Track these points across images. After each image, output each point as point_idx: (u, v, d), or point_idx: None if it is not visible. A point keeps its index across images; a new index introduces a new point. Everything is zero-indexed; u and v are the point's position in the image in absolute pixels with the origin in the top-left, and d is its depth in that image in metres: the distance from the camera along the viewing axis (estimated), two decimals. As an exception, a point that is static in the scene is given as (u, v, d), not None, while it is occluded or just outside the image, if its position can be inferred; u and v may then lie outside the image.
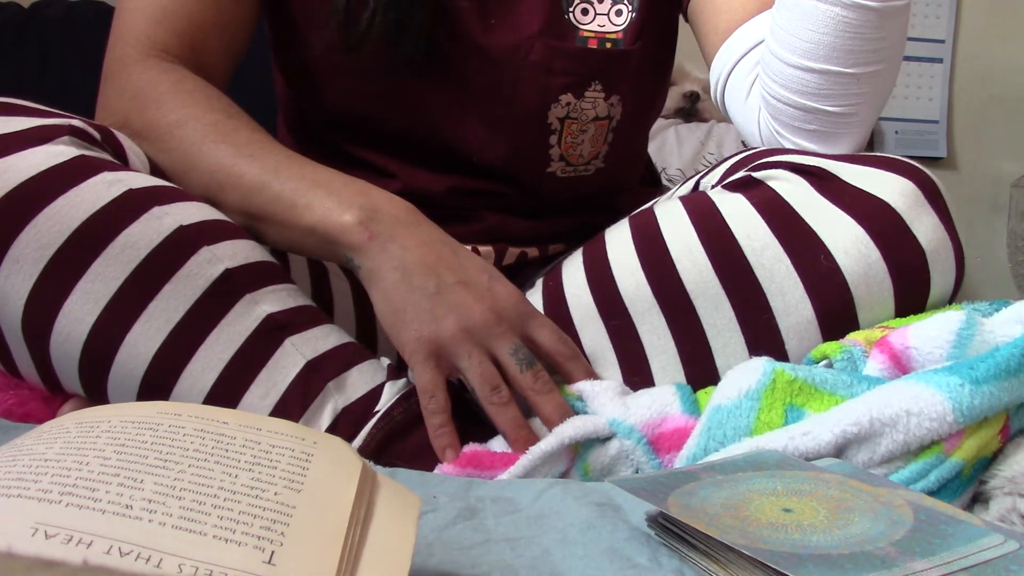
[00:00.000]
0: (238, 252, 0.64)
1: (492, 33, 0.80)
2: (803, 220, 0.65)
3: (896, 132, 2.33)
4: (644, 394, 0.65)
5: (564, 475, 0.61)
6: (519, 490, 0.55)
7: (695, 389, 0.66)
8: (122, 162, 0.66)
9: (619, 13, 0.83)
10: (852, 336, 0.63)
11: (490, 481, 0.59)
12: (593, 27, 0.82)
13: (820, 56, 0.69)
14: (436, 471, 0.62)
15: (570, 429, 0.61)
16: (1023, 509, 0.51)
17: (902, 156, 0.68)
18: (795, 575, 0.38)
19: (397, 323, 0.65)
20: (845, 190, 0.65)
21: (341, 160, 0.81)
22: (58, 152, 0.61)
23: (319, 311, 0.68)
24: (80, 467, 0.34)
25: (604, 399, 0.64)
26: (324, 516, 0.34)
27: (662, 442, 0.62)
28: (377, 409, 0.65)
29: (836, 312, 0.64)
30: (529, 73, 0.81)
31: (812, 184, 0.66)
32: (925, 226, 0.64)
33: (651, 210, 0.72)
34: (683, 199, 0.71)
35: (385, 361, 0.69)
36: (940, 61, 2.33)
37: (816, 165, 0.67)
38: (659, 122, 1.97)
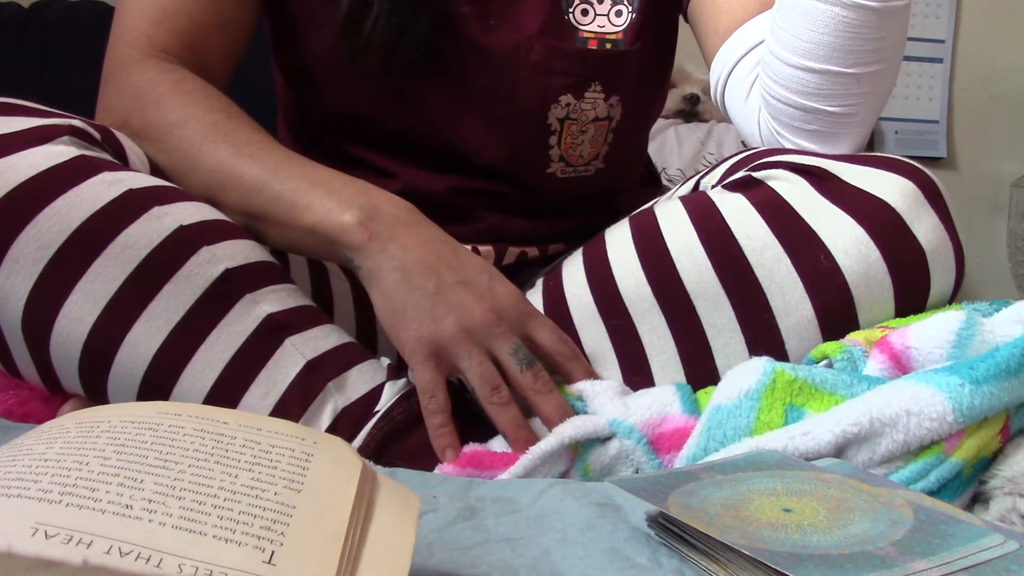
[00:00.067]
0: (238, 252, 0.64)
1: (492, 34, 0.80)
2: (803, 220, 0.65)
3: (896, 132, 2.33)
4: (644, 394, 0.65)
5: (564, 475, 0.61)
6: (519, 490, 0.55)
7: (695, 389, 0.66)
8: (122, 162, 0.66)
9: (619, 14, 0.83)
10: (852, 336, 0.63)
11: (490, 481, 0.59)
12: (593, 28, 0.82)
13: (820, 56, 0.69)
14: (436, 471, 0.62)
15: (570, 429, 0.61)
16: (1023, 509, 0.51)
17: (902, 156, 0.68)
18: (795, 575, 0.38)
19: (397, 323, 0.65)
20: (845, 190, 0.65)
21: (341, 160, 0.81)
22: (58, 152, 0.61)
23: (319, 311, 0.68)
24: (80, 467, 0.34)
25: (604, 399, 0.64)
26: (324, 516, 0.34)
27: (662, 442, 0.62)
28: (377, 409, 0.65)
29: (836, 312, 0.64)
30: (529, 74, 0.81)
31: (812, 184, 0.66)
32: (925, 226, 0.64)
33: (651, 210, 0.72)
34: (683, 199, 0.71)
35: (385, 361, 0.69)
36: (940, 61, 2.33)
37: (816, 165, 0.67)
38: (659, 122, 1.97)
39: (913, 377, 0.55)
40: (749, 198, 0.67)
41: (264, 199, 0.68)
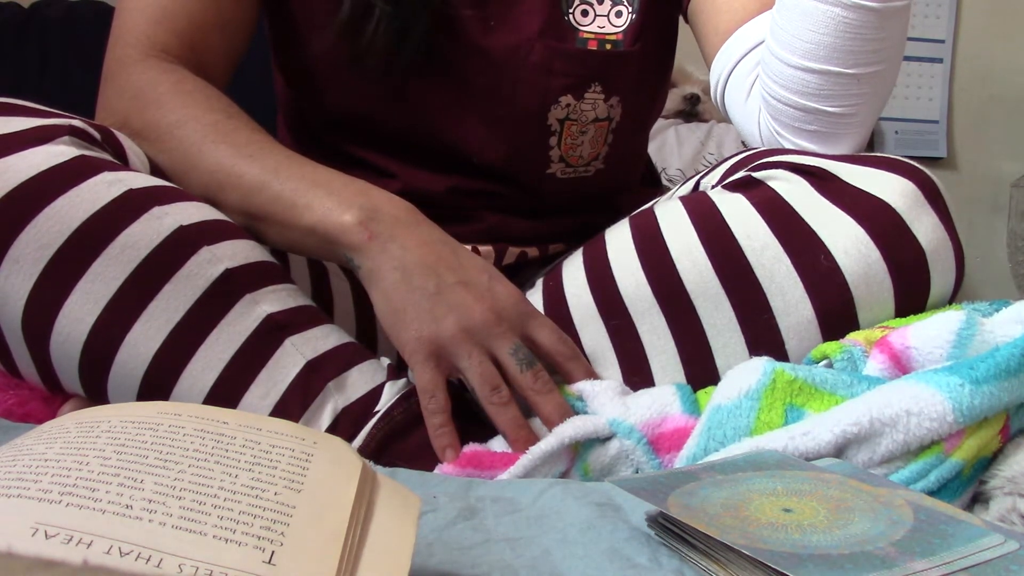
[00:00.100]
0: (238, 252, 0.64)
1: (492, 34, 0.80)
2: (803, 220, 0.65)
3: (896, 132, 2.33)
4: (644, 394, 0.65)
5: (564, 475, 0.61)
6: (519, 490, 0.55)
7: (695, 389, 0.66)
8: (122, 162, 0.66)
9: (619, 14, 0.83)
10: (852, 336, 0.63)
11: (490, 481, 0.59)
12: (593, 28, 0.82)
13: (820, 57, 0.69)
14: (436, 471, 0.62)
15: (570, 429, 0.61)
16: (1023, 509, 0.51)
17: (902, 156, 0.68)
18: (795, 575, 0.38)
19: (397, 323, 0.65)
20: (845, 190, 0.65)
21: (341, 160, 0.81)
22: (58, 152, 0.61)
23: (319, 311, 0.68)
24: (80, 467, 0.34)
25: (604, 399, 0.64)
26: (324, 516, 0.34)
27: (662, 442, 0.62)
28: (377, 409, 0.65)
29: (836, 312, 0.64)
30: (529, 74, 0.81)
31: (812, 184, 0.66)
32: (925, 226, 0.64)
33: (651, 210, 0.72)
34: (683, 199, 0.71)
35: (385, 361, 0.69)
36: (940, 61, 2.33)
37: (816, 165, 0.67)
38: (659, 122, 1.97)
39: (913, 377, 0.55)
40: (749, 198, 0.67)
41: (264, 199, 0.68)
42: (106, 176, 0.62)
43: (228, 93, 0.76)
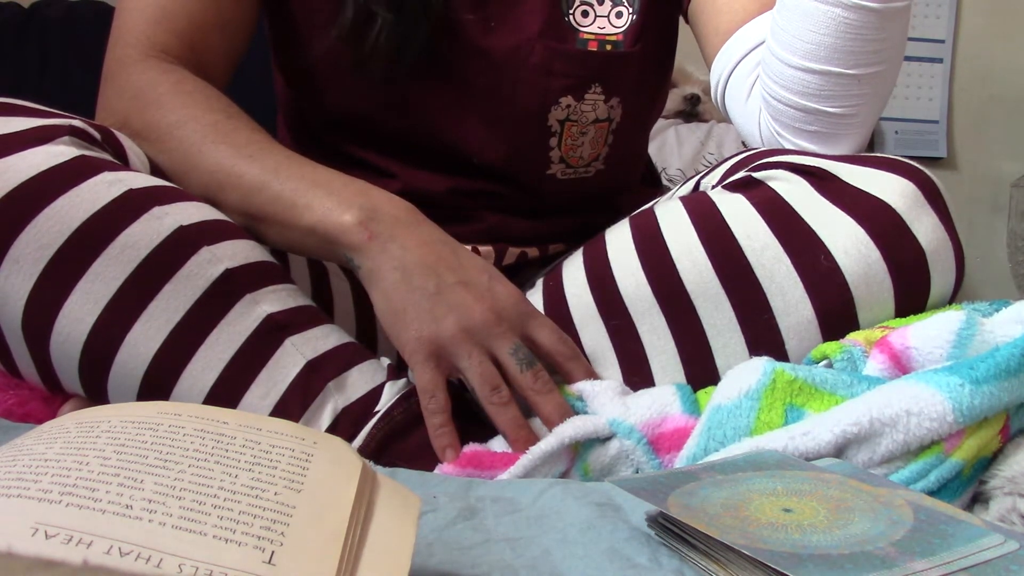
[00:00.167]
0: (238, 252, 0.64)
1: (492, 35, 0.80)
2: (803, 220, 0.65)
3: (896, 132, 2.33)
4: (644, 394, 0.65)
5: (564, 475, 0.61)
6: (519, 490, 0.55)
7: (695, 389, 0.66)
8: (122, 162, 0.66)
9: (619, 15, 0.83)
10: (852, 336, 0.63)
11: (490, 481, 0.59)
12: (593, 29, 0.82)
13: (821, 57, 0.69)
14: (436, 471, 0.62)
15: (570, 429, 0.61)
16: (1023, 509, 0.51)
17: (902, 156, 0.68)
18: (795, 575, 0.38)
19: (397, 323, 0.65)
20: (845, 190, 0.65)
21: (341, 160, 0.81)
22: (58, 152, 0.61)
23: (319, 311, 0.68)
24: (80, 467, 0.34)
25: (604, 399, 0.64)
26: (324, 516, 0.34)
27: (662, 442, 0.62)
28: (377, 409, 0.65)
29: (836, 312, 0.64)
30: (529, 75, 0.81)
31: (812, 184, 0.66)
32: (925, 226, 0.64)
33: (651, 210, 0.72)
34: (683, 199, 0.71)
35: (385, 361, 0.69)
36: (940, 61, 2.33)
37: (816, 165, 0.67)
38: (659, 122, 1.97)
39: (913, 377, 0.55)
40: (749, 198, 0.67)
41: (264, 199, 0.68)
42: (106, 176, 0.62)
43: (228, 93, 0.76)
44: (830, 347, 0.63)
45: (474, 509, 0.52)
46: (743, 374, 0.60)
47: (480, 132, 0.82)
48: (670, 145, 1.99)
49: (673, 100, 2.04)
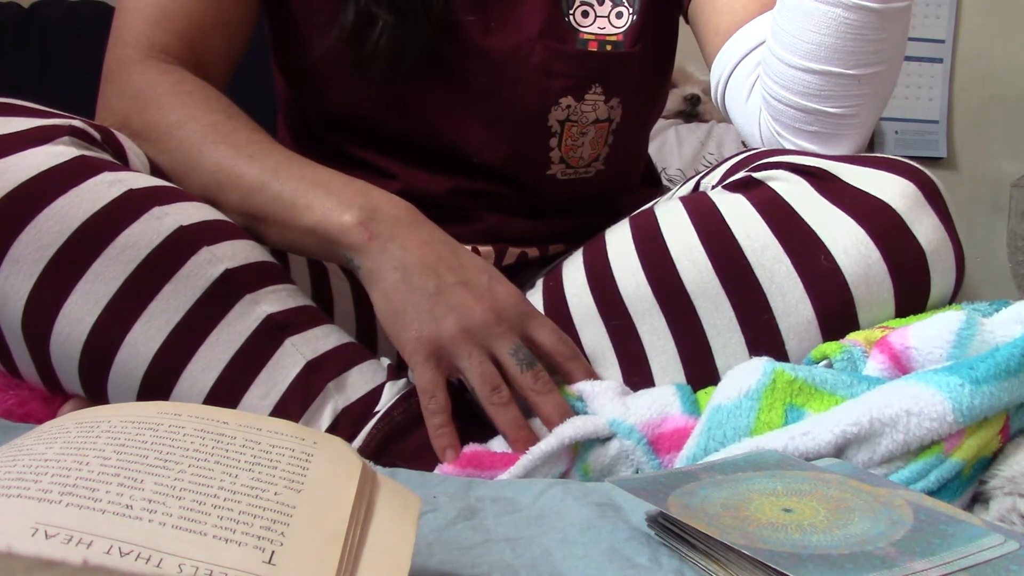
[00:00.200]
0: (238, 252, 0.64)
1: (493, 36, 0.80)
2: (803, 220, 0.65)
3: (896, 132, 2.33)
4: (644, 394, 0.65)
5: (564, 475, 0.61)
6: (519, 490, 0.55)
7: (695, 389, 0.66)
8: (122, 162, 0.66)
9: (619, 15, 0.83)
10: (852, 336, 0.63)
11: (490, 481, 0.59)
12: (593, 29, 0.82)
13: (821, 57, 0.69)
14: (436, 471, 0.62)
15: (570, 429, 0.61)
16: (1023, 509, 0.51)
17: (902, 156, 0.68)
18: (795, 575, 0.38)
19: (397, 323, 0.65)
20: (845, 190, 0.65)
21: (341, 161, 0.81)
22: (58, 152, 0.61)
23: (319, 311, 0.68)
24: (80, 467, 0.34)
25: (604, 399, 0.64)
26: (324, 516, 0.34)
27: (662, 442, 0.62)
28: (377, 409, 0.65)
29: (836, 312, 0.64)
30: (529, 75, 0.81)
31: (812, 184, 0.66)
32: (925, 226, 0.64)
33: (651, 210, 0.72)
34: (683, 199, 0.71)
35: (385, 361, 0.69)
36: (940, 61, 2.33)
37: (816, 166, 0.67)
38: (659, 122, 1.97)
39: (913, 377, 0.55)
40: (749, 198, 0.67)
41: (264, 199, 0.68)
42: (106, 176, 0.62)
43: (228, 93, 0.76)
44: (830, 347, 0.63)
45: (474, 509, 0.52)
46: (743, 374, 0.60)
47: (480, 132, 0.82)
48: (670, 145, 1.99)
49: (673, 100, 2.04)
